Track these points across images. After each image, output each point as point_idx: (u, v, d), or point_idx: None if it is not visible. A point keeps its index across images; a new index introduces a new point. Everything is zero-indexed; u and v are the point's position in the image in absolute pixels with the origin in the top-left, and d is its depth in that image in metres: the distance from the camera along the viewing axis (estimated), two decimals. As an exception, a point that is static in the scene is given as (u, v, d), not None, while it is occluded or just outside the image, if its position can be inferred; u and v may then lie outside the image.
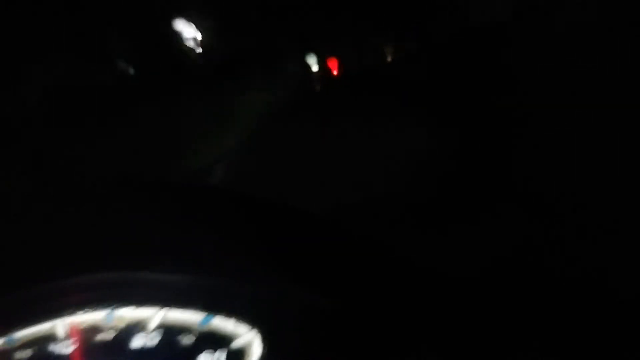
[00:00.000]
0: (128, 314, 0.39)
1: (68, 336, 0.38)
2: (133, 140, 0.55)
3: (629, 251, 0.46)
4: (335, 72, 0.66)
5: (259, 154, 0.58)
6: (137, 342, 0.38)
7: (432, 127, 0.57)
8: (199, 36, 0.62)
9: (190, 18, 0.62)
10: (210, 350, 0.38)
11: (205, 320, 0.39)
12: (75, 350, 0.37)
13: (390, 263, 0.47)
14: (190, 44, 0.62)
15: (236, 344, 0.38)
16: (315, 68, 0.66)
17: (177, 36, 0.61)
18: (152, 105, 0.58)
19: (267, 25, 0.64)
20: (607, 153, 0.47)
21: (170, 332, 0.39)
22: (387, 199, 0.54)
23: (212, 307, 0.39)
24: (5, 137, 0.49)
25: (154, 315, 0.39)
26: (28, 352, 0.37)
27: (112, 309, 0.39)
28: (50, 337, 0.38)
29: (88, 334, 0.38)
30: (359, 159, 0.57)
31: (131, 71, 0.60)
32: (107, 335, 0.38)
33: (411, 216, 0.52)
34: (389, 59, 0.66)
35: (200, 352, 0.38)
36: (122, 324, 0.39)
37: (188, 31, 0.62)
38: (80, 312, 0.38)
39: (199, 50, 0.62)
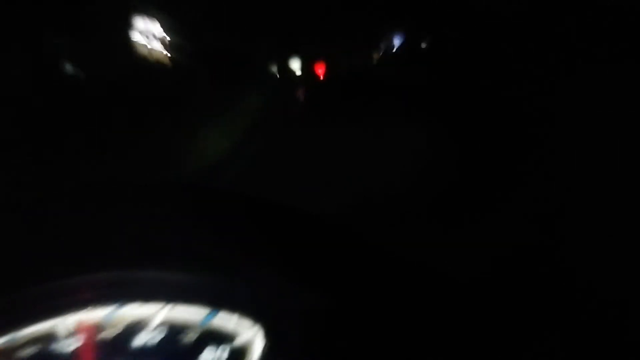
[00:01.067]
0: (131, 311, 0.39)
1: (71, 334, 0.38)
2: (135, 142, 0.55)
3: (627, 253, 0.46)
4: (322, 77, 0.63)
5: (260, 156, 0.59)
6: (140, 339, 0.38)
7: (432, 129, 0.57)
8: (167, 36, 0.57)
9: (156, 16, 0.57)
10: (213, 348, 0.38)
11: (208, 319, 0.39)
12: (78, 348, 0.38)
13: (390, 263, 0.47)
14: (156, 45, 0.57)
15: (238, 341, 0.38)
16: (298, 72, 0.62)
17: (140, 37, 0.56)
18: (149, 107, 0.58)
19: (243, 24, 0.61)
20: (606, 156, 0.47)
21: (172, 329, 0.39)
22: (387, 200, 0.54)
23: (216, 303, 0.39)
24: (7, 138, 0.49)
25: (157, 313, 0.39)
26: (31, 350, 0.37)
27: (117, 307, 0.39)
28: (53, 336, 0.38)
29: (91, 332, 0.38)
30: (359, 160, 0.57)
31: (81, 74, 0.56)
32: (110, 333, 0.38)
33: (411, 217, 0.53)
34: (379, 61, 0.64)
35: (203, 349, 0.38)
36: (125, 322, 0.39)
37: (154, 31, 0.57)
38: (84, 310, 0.39)
39: (166, 52, 0.58)
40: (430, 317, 0.43)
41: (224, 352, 0.38)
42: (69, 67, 0.56)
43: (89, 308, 0.39)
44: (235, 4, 0.60)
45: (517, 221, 0.50)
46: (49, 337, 0.38)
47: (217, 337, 0.39)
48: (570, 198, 0.49)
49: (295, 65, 0.62)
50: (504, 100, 0.55)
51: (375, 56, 0.63)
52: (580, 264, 0.47)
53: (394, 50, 0.62)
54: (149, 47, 0.57)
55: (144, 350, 0.38)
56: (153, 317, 0.39)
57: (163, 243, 0.41)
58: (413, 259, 0.47)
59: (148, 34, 0.57)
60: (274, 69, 0.63)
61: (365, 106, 0.59)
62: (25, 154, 0.50)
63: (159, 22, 0.57)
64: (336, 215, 0.49)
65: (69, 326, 0.38)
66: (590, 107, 0.49)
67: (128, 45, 0.56)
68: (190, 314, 0.39)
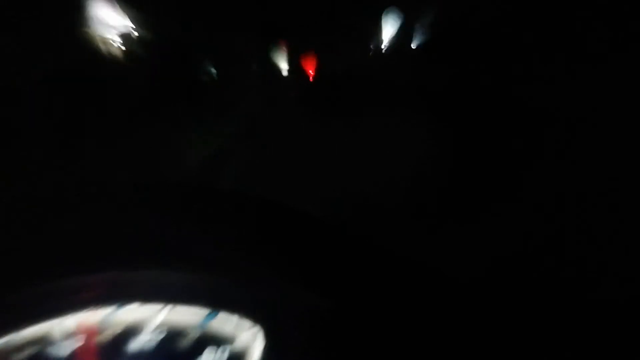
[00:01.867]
0: (131, 313, 0.39)
1: (70, 336, 0.38)
2: (134, 142, 0.55)
3: (627, 251, 0.46)
4: (312, 74, 0.60)
5: (260, 156, 0.59)
6: (140, 341, 0.38)
7: (430, 127, 0.57)
8: (133, 28, 0.50)
9: (118, 4, 0.49)
10: (212, 349, 0.38)
11: (207, 319, 0.39)
12: (77, 350, 0.37)
13: (390, 263, 0.47)
14: (119, 38, 0.50)
15: (238, 342, 0.38)
16: (285, 70, 0.59)
17: (99, 28, 0.48)
18: (148, 106, 0.58)
19: (222, 15, 0.56)
20: (607, 153, 0.47)
21: (172, 331, 0.39)
22: (387, 199, 0.54)
23: (216, 303, 0.39)
24: (8, 138, 0.49)
25: (156, 315, 0.39)
26: (30, 352, 0.37)
27: (116, 308, 0.39)
28: (51, 337, 0.38)
29: (90, 333, 0.38)
30: (359, 160, 0.57)
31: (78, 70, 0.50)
32: (109, 335, 0.38)
33: (411, 216, 0.53)
34: (371, 58, 0.62)
35: (203, 350, 0.38)
36: (124, 323, 0.39)
37: (115, 22, 0.48)
38: (83, 311, 0.38)
39: (133, 46, 0.51)
40: (430, 317, 0.43)
41: (223, 353, 0.38)
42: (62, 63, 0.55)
43: (88, 309, 0.39)
44: (228, 3, 0.59)
45: (517, 221, 0.50)
46: (48, 339, 0.38)
47: (216, 338, 0.39)
48: (571, 198, 0.49)
49: (285, 62, 0.61)
50: (503, 98, 0.55)
51: (368, 53, 0.62)
52: (580, 263, 0.47)
53: (387, 47, 0.61)
54: (132, 46, 0.56)
55: (144, 352, 0.38)
56: (152, 318, 0.39)
57: (163, 243, 0.41)
58: (413, 259, 0.47)
59: (128, 32, 0.55)
60: (264, 67, 0.61)
61: (359, 104, 0.59)
62: (23, 154, 0.49)
63: (139, 17, 0.55)
64: (336, 215, 0.49)
65: (67, 328, 0.38)
66: (590, 107, 0.49)
67: (113, 43, 0.55)
68: (189, 314, 0.39)
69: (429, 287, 0.46)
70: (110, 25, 0.53)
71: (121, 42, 0.55)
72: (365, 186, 0.54)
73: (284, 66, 0.61)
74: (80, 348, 0.37)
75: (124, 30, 0.54)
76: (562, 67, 0.52)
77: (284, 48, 0.61)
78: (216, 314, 0.39)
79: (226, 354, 0.38)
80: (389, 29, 0.61)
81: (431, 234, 0.50)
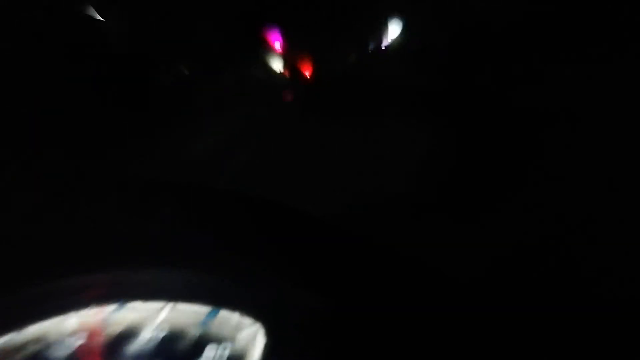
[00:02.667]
0: (132, 311, 0.39)
1: (72, 335, 0.38)
2: (134, 142, 0.55)
3: (628, 251, 0.46)
4: (309, 77, 0.60)
5: (259, 156, 0.59)
6: (141, 339, 0.38)
7: (432, 127, 0.57)
8: (126, 27, 0.46)
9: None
10: (213, 347, 0.38)
11: (208, 318, 0.39)
12: (79, 349, 0.37)
13: (390, 263, 0.47)
14: (114, 37, 0.46)
15: (239, 340, 0.38)
16: (284, 70, 0.59)
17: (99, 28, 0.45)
18: (147, 105, 0.58)
19: (219, 15, 0.56)
20: (607, 152, 0.47)
21: (173, 329, 0.39)
22: (387, 199, 0.54)
23: (217, 302, 0.39)
24: (8, 137, 0.49)
25: (156, 315, 0.39)
26: (32, 351, 0.37)
27: (118, 307, 0.39)
28: (54, 336, 0.38)
29: (92, 332, 0.38)
30: (358, 160, 0.57)
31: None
32: (111, 333, 0.38)
33: (411, 216, 0.53)
34: (370, 59, 0.62)
35: (204, 348, 0.38)
36: (126, 322, 0.39)
37: (109, 21, 0.45)
38: (85, 310, 0.39)
39: (128, 46, 0.48)
40: (430, 317, 0.43)
41: (224, 351, 0.38)
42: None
43: (90, 308, 0.39)
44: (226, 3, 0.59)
45: (517, 221, 0.50)
46: (48, 339, 0.38)
47: (217, 337, 0.39)
48: (572, 197, 0.49)
49: (284, 63, 0.61)
50: (503, 98, 0.55)
51: (366, 53, 0.62)
52: (581, 263, 0.47)
53: (386, 47, 0.61)
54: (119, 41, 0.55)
55: (145, 350, 0.38)
56: (154, 316, 0.39)
57: (163, 243, 0.41)
58: (413, 259, 0.47)
59: (124, 30, 0.54)
60: (263, 67, 0.61)
61: (358, 104, 0.59)
62: (24, 153, 0.49)
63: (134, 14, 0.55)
64: (335, 215, 0.49)
65: (68, 328, 0.38)
66: (590, 107, 0.49)
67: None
68: (190, 314, 0.39)
69: (429, 287, 0.46)
70: (108, 25, 0.53)
71: (117, 41, 0.55)
72: (365, 186, 0.54)
73: (282, 66, 0.62)
74: (81, 348, 0.37)
75: (120, 28, 0.54)
76: (562, 67, 0.52)
77: (282, 48, 0.61)
78: (216, 313, 0.39)
79: (226, 353, 0.38)
80: (387, 28, 0.61)
81: (431, 234, 0.50)
